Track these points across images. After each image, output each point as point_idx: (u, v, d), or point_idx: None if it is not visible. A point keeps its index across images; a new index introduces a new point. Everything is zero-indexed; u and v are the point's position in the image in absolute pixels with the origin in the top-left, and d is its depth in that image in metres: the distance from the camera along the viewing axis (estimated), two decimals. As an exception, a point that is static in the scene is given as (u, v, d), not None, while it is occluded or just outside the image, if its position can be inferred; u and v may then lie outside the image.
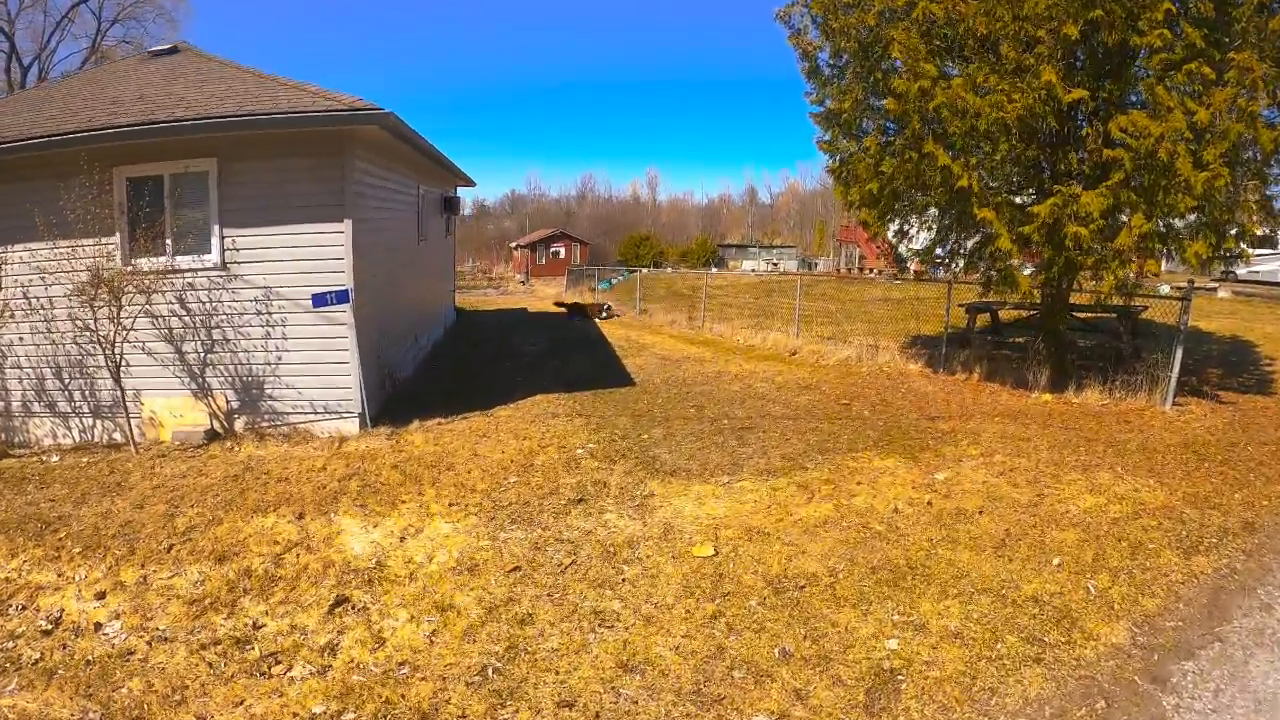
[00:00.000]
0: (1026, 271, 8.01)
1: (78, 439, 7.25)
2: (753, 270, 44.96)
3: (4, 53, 23.97)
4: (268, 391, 7.15)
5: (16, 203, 6.81)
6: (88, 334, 6.73)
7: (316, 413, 7.14)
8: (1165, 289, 12.06)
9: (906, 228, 9.45)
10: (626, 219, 67.72)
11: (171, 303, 7.01)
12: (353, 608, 3.78)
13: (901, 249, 9.74)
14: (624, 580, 3.98)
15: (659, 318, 17.04)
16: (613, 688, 3.09)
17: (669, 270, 39.69)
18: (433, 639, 3.49)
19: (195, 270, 7.01)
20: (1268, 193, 7.48)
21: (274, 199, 6.88)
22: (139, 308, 6.77)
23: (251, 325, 7.05)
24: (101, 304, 6.55)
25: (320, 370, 7.09)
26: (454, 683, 3.14)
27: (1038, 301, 8.72)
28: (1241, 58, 6.04)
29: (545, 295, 27.91)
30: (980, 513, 4.82)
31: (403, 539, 4.61)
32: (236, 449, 6.64)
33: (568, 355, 11.96)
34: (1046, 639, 3.38)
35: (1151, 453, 6.04)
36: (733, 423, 7.24)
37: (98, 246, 6.71)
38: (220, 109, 6.75)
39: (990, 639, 3.37)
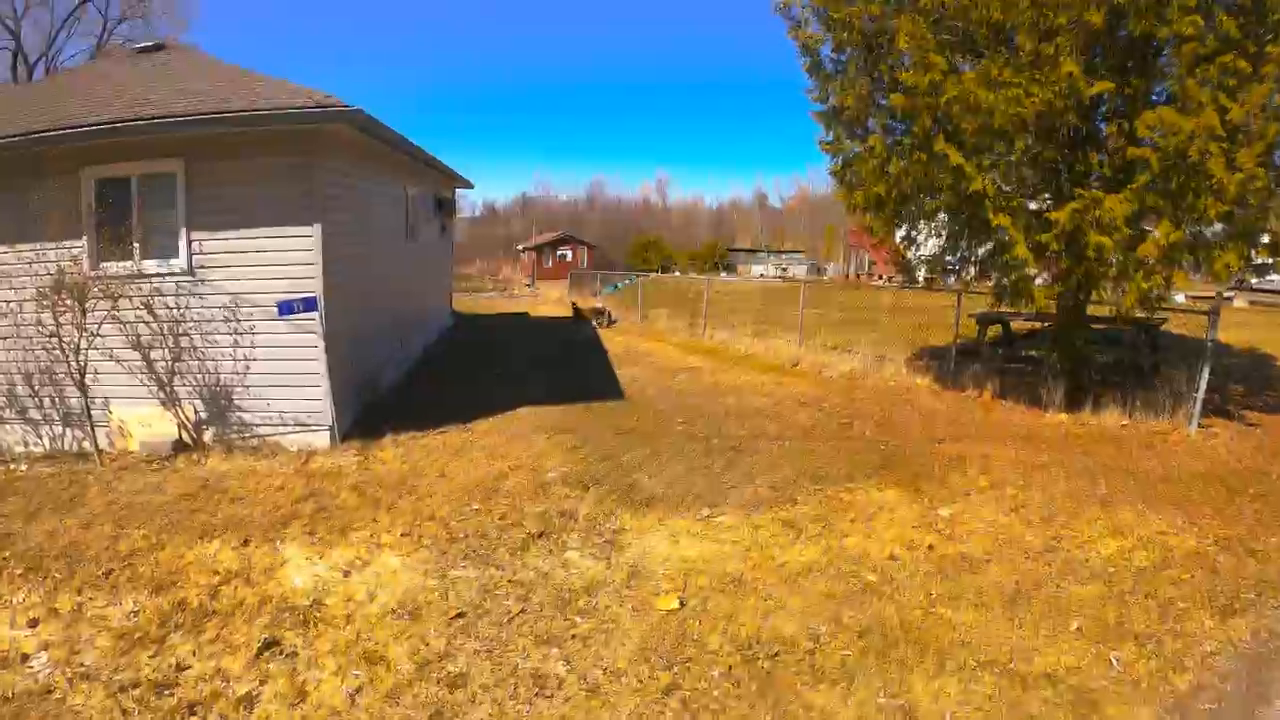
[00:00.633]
0: (1039, 281, 7.52)
1: (48, 447, 6.98)
2: (761, 274, 44.47)
3: (9, 51, 23.98)
4: (236, 402, 6.83)
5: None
6: (54, 340, 6.46)
7: (286, 425, 6.81)
8: (1180, 298, 11.47)
9: (914, 234, 8.96)
10: (636, 222, 67.39)
11: (139, 309, 6.71)
12: (281, 652, 3.50)
13: (909, 256, 9.25)
14: (574, 636, 3.56)
15: (661, 324, 16.61)
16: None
17: (676, 274, 39.28)
18: (355, 698, 3.13)
19: (162, 275, 6.71)
20: None
21: (242, 201, 6.55)
22: (105, 314, 6.49)
23: (219, 333, 6.74)
24: (64, 309, 6.27)
25: (289, 380, 6.76)
26: (367, 757, 2.75)
27: (1052, 313, 8.22)
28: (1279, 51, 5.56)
29: (550, 299, 27.64)
30: (988, 560, 4.34)
31: (347, 573, 4.24)
32: (202, 462, 6.33)
33: (560, 364, 11.57)
34: (1061, 734, 2.88)
35: (1177, 484, 5.55)
36: (723, 442, 6.80)
37: (65, 250, 6.46)
38: (194, 107, 6.44)
39: (993, 732, 2.89)
